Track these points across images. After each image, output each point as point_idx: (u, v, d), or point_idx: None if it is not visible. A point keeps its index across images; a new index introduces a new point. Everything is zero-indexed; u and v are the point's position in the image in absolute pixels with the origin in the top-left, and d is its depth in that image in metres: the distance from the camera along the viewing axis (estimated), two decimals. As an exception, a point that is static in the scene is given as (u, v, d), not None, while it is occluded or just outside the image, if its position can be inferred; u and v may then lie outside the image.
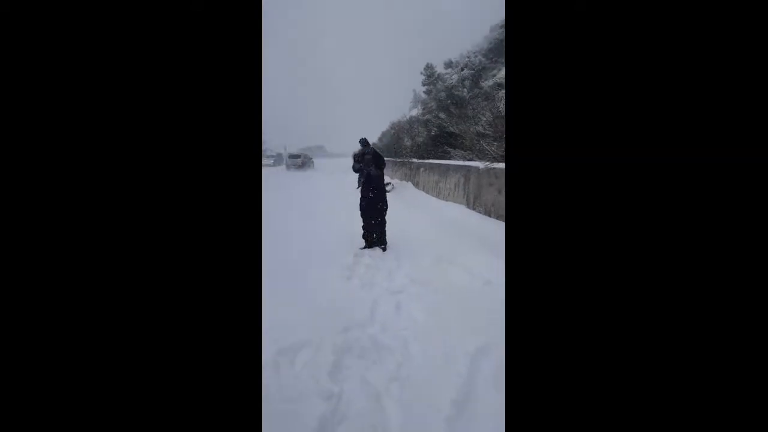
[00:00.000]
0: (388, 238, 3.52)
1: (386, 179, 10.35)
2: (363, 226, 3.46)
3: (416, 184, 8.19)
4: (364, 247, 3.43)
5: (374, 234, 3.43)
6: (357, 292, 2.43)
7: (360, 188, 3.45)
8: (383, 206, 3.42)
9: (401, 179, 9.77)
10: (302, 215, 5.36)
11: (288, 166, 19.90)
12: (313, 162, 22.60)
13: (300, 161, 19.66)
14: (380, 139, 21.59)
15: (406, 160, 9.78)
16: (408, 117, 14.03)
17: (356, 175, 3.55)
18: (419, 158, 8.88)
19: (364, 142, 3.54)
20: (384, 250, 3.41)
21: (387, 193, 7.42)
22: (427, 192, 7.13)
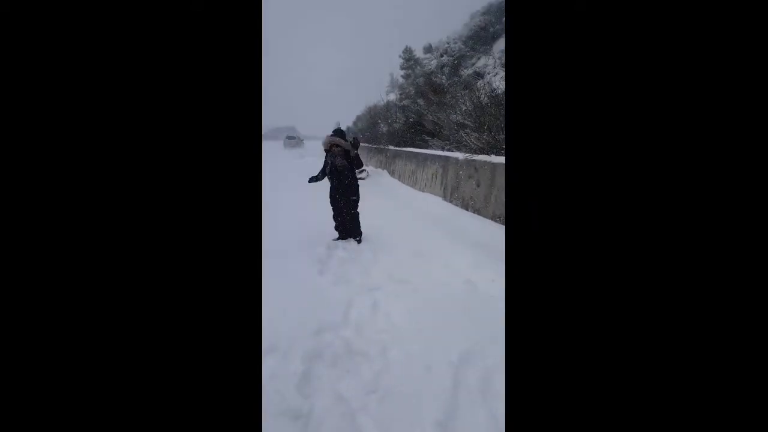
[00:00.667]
0: (363, 229, 3.34)
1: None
2: (333, 217, 3.28)
3: (392, 173, 8.01)
4: (337, 239, 3.25)
5: (347, 226, 3.25)
6: (330, 289, 2.25)
7: (318, 179, 3.29)
8: (354, 198, 3.23)
9: (376, 167, 9.54)
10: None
11: (285, 145, 25.92)
12: (303, 142, 29.30)
13: (294, 142, 27.15)
14: (355, 123, 21.08)
15: (381, 147, 9.53)
16: (385, 101, 13.66)
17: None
18: (396, 146, 8.68)
19: (337, 132, 3.26)
20: (359, 242, 3.24)
21: (361, 181, 7.19)
22: (403, 181, 6.99)
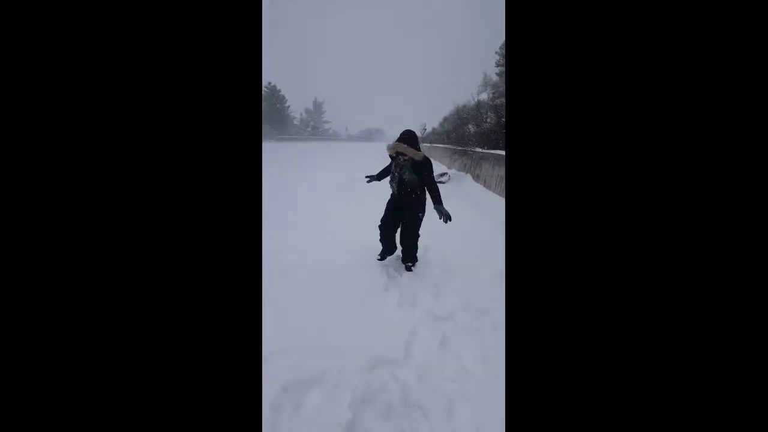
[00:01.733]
0: (436, 239, 2.99)
1: (443, 169, 9.64)
2: (381, 239, 2.64)
3: (476, 177, 7.38)
4: (380, 257, 2.69)
5: (393, 244, 2.64)
6: (392, 311, 1.98)
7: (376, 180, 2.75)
8: (421, 215, 2.49)
9: (459, 169, 8.98)
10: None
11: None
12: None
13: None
14: (442, 124, 20.57)
15: (467, 148, 8.92)
16: (476, 101, 12.86)
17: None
18: (483, 147, 7.98)
19: (407, 135, 2.37)
20: (409, 269, 2.59)
21: (441, 185, 6.69)
22: (489, 188, 6.33)
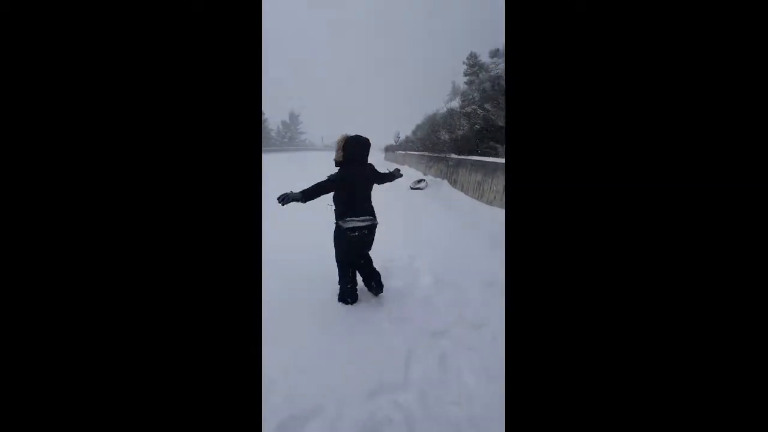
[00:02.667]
0: (424, 249, 2.93)
1: (419, 175, 9.72)
2: (341, 274, 2.11)
3: (453, 183, 7.48)
4: (349, 302, 2.12)
5: (364, 280, 2.22)
6: (387, 330, 1.89)
7: (336, 210, 2.02)
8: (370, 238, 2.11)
9: (436, 176, 9.08)
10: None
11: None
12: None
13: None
14: (414, 132, 20.84)
15: (442, 155, 9.05)
16: (445, 109, 13.15)
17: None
18: (458, 154, 8.13)
19: (360, 141, 2.01)
20: (377, 294, 2.21)
21: (419, 191, 6.69)
22: (467, 193, 6.42)
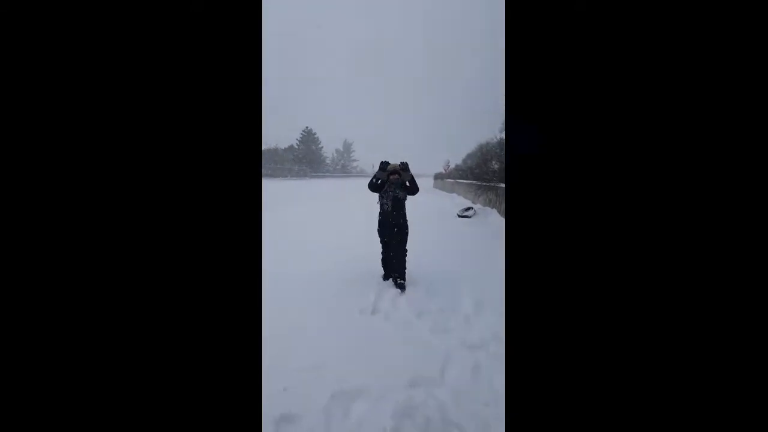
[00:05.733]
0: (470, 278, 3.09)
1: (467, 203, 9.78)
2: (382, 252, 3.06)
3: (502, 212, 7.46)
4: (384, 278, 3.05)
5: (393, 262, 2.97)
6: (427, 336, 2.10)
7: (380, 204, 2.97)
8: (407, 232, 2.97)
9: (484, 204, 9.08)
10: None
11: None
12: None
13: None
14: (464, 160, 20.98)
15: (492, 184, 9.08)
16: (498, 138, 13.20)
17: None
18: (508, 184, 8.10)
19: (403, 165, 2.93)
20: (400, 288, 2.84)
21: (466, 219, 6.83)
22: (515, 222, 6.37)
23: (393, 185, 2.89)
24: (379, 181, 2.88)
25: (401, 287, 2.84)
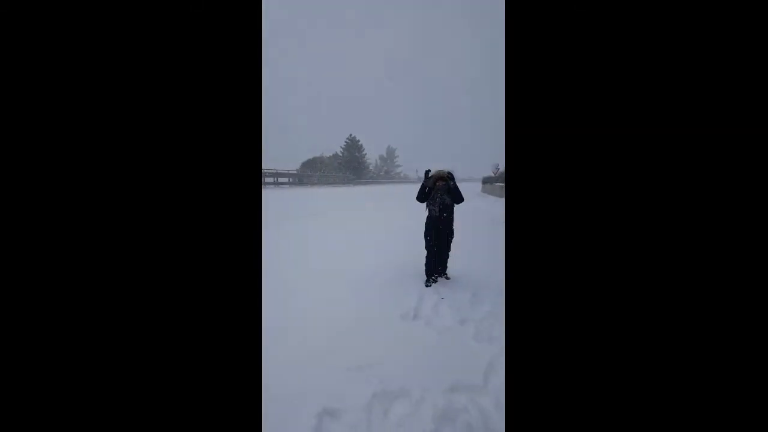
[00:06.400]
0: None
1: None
2: (427, 256, 3.10)
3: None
4: (429, 281, 3.07)
5: (441, 261, 3.13)
6: (469, 343, 2.06)
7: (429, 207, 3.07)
8: (451, 234, 3.11)
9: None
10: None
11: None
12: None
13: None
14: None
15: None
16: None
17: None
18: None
19: (449, 175, 3.06)
20: (448, 277, 3.17)
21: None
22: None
23: (440, 191, 2.96)
24: (427, 189, 2.99)
25: (445, 276, 3.17)
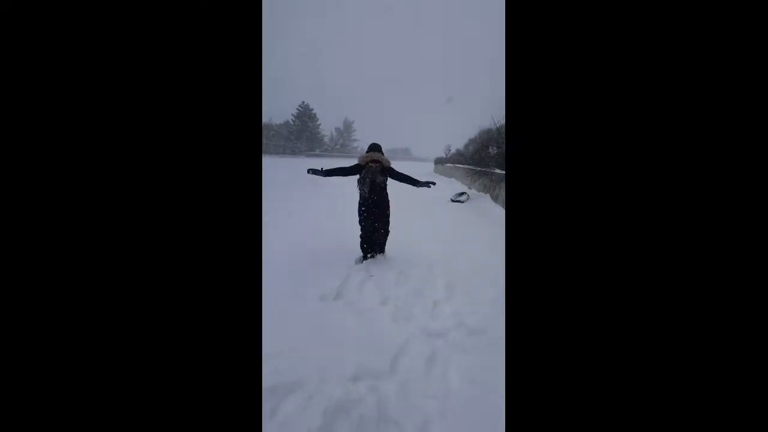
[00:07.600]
0: (455, 258, 2.95)
1: (463, 189, 9.55)
2: (361, 235, 3.06)
3: (495, 198, 7.25)
4: (362, 258, 3.02)
5: (377, 241, 3.07)
6: (387, 324, 1.95)
7: (360, 191, 2.97)
8: (389, 213, 3.07)
9: (479, 190, 8.86)
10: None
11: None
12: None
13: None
14: (467, 146, 20.56)
15: (488, 170, 8.83)
16: (497, 125, 12.81)
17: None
18: (503, 169, 7.87)
19: (374, 146, 3.01)
20: (383, 253, 3.14)
21: (459, 204, 6.83)
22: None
23: (371, 171, 2.90)
24: (358, 166, 2.96)
25: (382, 255, 3.09)
